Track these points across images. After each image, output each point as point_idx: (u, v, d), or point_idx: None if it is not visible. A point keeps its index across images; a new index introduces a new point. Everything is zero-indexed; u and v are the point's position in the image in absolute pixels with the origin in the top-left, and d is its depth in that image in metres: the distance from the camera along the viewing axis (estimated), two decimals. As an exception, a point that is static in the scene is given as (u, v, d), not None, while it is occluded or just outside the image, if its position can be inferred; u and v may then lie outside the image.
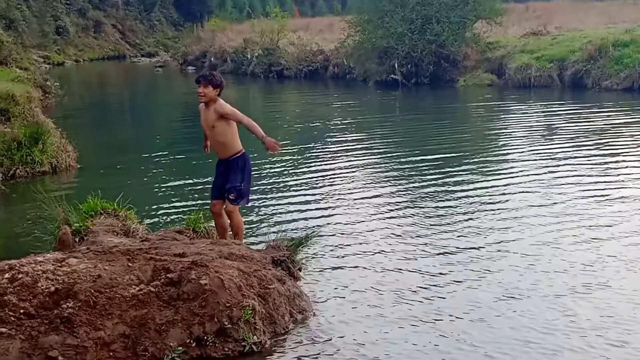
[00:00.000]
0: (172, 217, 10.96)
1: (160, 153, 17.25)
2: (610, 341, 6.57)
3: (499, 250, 9.20)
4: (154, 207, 11.70)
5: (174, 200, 12.29)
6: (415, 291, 7.90)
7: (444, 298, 7.73)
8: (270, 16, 46.33)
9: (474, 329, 6.90)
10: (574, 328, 6.85)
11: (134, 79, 49.44)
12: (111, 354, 6.03)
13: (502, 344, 6.56)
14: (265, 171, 14.56)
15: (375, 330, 6.94)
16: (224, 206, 8.46)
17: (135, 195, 10.96)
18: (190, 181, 13.83)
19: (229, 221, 8.59)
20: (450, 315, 7.24)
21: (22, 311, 6.05)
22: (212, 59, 48.43)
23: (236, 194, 8.34)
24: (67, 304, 6.13)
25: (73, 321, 6.04)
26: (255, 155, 16.82)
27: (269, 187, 13.28)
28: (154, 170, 15.09)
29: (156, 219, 10.84)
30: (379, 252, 9.30)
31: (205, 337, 6.23)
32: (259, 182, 13.45)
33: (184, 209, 11.19)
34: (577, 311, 7.24)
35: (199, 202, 11.68)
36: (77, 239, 8.31)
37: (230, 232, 8.66)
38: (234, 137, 8.54)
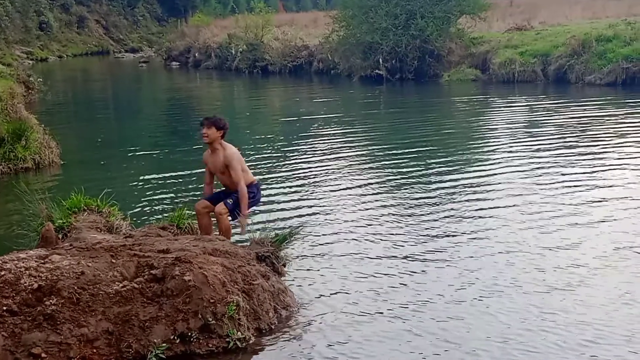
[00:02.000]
0: (156, 213, 10.93)
1: (143, 149, 17.21)
2: (587, 339, 6.55)
3: (480, 246, 9.21)
4: (138, 203, 11.67)
5: (157, 196, 12.26)
6: (396, 288, 7.91)
7: (424, 293, 7.75)
8: (254, 11, 46.19)
9: (452, 326, 6.89)
10: (552, 326, 6.82)
11: (117, 74, 49.24)
12: (95, 350, 6.01)
13: (481, 341, 6.55)
14: (248, 166, 14.53)
15: (357, 326, 6.95)
16: (215, 209, 8.53)
17: (119, 191, 10.94)
18: (174, 177, 13.81)
19: (211, 221, 8.67)
20: (431, 311, 7.27)
21: (4, 308, 6.02)
22: (197, 55, 48.31)
23: (234, 204, 8.52)
24: (50, 301, 6.11)
25: (56, 318, 6.02)
26: (237, 147, 16.88)
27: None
28: (138, 166, 15.06)
29: (140, 215, 10.80)
30: (362, 247, 9.32)
31: (189, 334, 6.22)
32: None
33: (168, 205, 11.16)
34: (556, 308, 7.22)
35: (183, 197, 11.65)
36: (60, 236, 8.26)
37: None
38: (246, 174, 8.76)
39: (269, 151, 16.54)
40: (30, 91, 25.90)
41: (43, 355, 5.85)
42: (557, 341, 6.50)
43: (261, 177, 13.54)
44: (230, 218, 8.65)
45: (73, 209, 8.99)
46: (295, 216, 10.80)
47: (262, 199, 11.85)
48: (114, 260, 6.68)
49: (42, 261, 6.52)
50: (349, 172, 14.04)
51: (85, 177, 13.41)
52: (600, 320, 6.91)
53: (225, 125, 8.66)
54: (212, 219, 8.74)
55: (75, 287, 6.23)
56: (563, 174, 13.08)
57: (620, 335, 6.61)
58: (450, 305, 7.39)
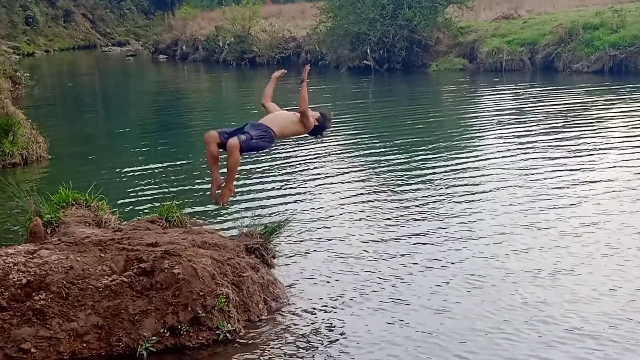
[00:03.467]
0: (145, 206, 10.92)
1: (131, 142, 17.18)
2: (571, 329, 6.53)
3: (465, 238, 9.19)
4: (127, 196, 11.65)
5: (146, 189, 12.25)
6: (386, 278, 7.93)
7: (413, 283, 7.78)
8: (241, 3, 46.09)
9: (439, 317, 6.89)
10: (536, 317, 6.80)
11: (105, 68, 49.05)
12: (84, 345, 6.02)
13: (461, 335, 6.53)
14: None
15: (347, 316, 6.97)
16: (228, 140, 7.69)
17: (107, 185, 10.91)
18: (162, 169, 13.80)
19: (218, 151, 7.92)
20: (419, 300, 7.29)
21: (-7, 304, 6.01)
22: (184, 47, 48.24)
23: (249, 137, 7.73)
24: (40, 295, 6.10)
25: (45, 313, 6.02)
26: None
27: (240, 172, 13.25)
28: (126, 159, 15.02)
29: (129, 209, 10.79)
30: (351, 238, 9.34)
31: (179, 327, 6.23)
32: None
33: (157, 198, 11.12)
34: (539, 299, 7.21)
35: (172, 190, 11.64)
36: (48, 231, 8.23)
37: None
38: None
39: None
40: (17, 86, 25.80)
41: (33, 350, 5.86)
42: (542, 331, 6.50)
43: (249, 167, 13.56)
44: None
45: (61, 203, 8.95)
46: (284, 207, 10.80)
47: (251, 190, 11.92)
48: (102, 255, 6.67)
49: (31, 256, 6.51)
50: (337, 163, 14.06)
51: (73, 171, 13.39)
52: (586, 310, 6.91)
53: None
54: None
55: (64, 282, 6.22)
56: (550, 162, 13.12)
57: (607, 324, 6.62)
58: (437, 296, 7.40)
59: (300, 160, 14.19)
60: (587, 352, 6.12)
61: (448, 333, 6.55)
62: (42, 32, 65.66)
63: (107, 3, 77.38)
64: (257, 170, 13.47)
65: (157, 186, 12.46)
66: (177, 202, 9.14)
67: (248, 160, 14.00)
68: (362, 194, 11.53)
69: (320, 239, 9.34)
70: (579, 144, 14.55)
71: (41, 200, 8.86)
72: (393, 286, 7.67)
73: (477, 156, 13.99)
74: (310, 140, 16.23)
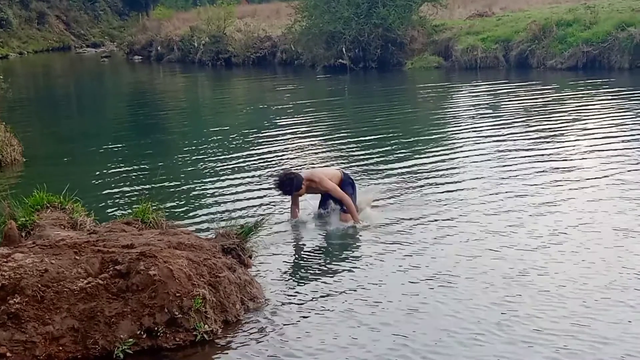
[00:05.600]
0: (120, 208, 10.88)
1: (106, 143, 17.09)
2: (542, 330, 6.46)
3: (438, 237, 9.12)
4: (102, 198, 11.61)
5: (122, 190, 12.19)
6: (357, 279, 7.85)
7: (390, 281, 7.77)
8: (216, 3, 46.00)
9: (406, 320, 6.81)
10: (507, 319, 6.73)
11: (79, 70, 48.81)
12: (61, 348, 5.98)
13: (431, 338, 6.45)
14: (212, 156, 14.56)
15: (325, 316, 6.95)
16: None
17: (82, 187, 10.84)
18: (138, 170, 13.75)
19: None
20: (397, 297, 7.29)
21: (-33, 309, 5.96)
22: (159, 48, 48.04)
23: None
24: (14, 299, 6.06)
25: (21, 317, 5.98)
26: (202, 139, 16.86)
27: (217, 172, 13.25)
28: (101, 161, 14.95)
29: (104, 210, 10.73)
30: (327, 237, 9.36)
31: (156, 328, 6.20)
32: (206, 168, 13.45)
33: (133, 199, 11.10)
34: (511, 299, 7.13)
35: (148, 191, 11.60)
36: (23, 234, 8.17)
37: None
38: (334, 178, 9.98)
39: (234, 142, 16.51)
40: (-10, 89, 25.59)
41: (8, 354, 5.81)
42: (512, 334, 6.44)
43: (226, 167, 13.55)
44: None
45: (36, 206, 8.88)
46: (260, 207, 10.79)
47: (226, 189, 11.92)
48: (77, 257, 6.62)
49: (5, 260, 6.45)
50: (313, 160, 14.06)
51: (48, 173, 13.28)
52: (557, 310, 6.86)
53: (298, 181, 9.64)
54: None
55: (39, 285, 6.18)
56: (525, 157, 13.25)
57: (575, 323, 6.59)
58: (408, 297, 7.33)
59: (276, 159, 14.19)
60: (556, 351, 6.11)
61: (418, 335, 6.50)
62: (16, 35, 65.20)
63: (81, 4, 76.99)
64: (235, 170, 13.45)
65: (132, 187, 12.40)
66: (153, 204, 9.10)
67: (226, 160, 14.01)
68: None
69: (297, 238, 9.37)
70: (554, 141, 14.67)
71: (15, 203, 8.79)
72: (362, 290, 7.53)
73: (452, 154, 14.05)
74: (287, 141, 16.28)
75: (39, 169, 14.36)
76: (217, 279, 6.84)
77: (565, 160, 13.02)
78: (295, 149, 15.15)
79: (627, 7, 30.46)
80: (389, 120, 18.63)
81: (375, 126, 17.55)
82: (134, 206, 9.83)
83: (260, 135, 17.36)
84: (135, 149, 16.51)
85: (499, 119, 17.88)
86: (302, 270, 8.24)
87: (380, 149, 14.55)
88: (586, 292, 7.27)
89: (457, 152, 14.19)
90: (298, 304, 7.24)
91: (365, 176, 12.52)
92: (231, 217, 9.28)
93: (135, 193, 11.86)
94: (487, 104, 21.00)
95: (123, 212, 10.48)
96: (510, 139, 15.11)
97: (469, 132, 16.34)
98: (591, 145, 14.04)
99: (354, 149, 14.97)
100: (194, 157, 14.86)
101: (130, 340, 6.09)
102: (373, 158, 13.86)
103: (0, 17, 63.11)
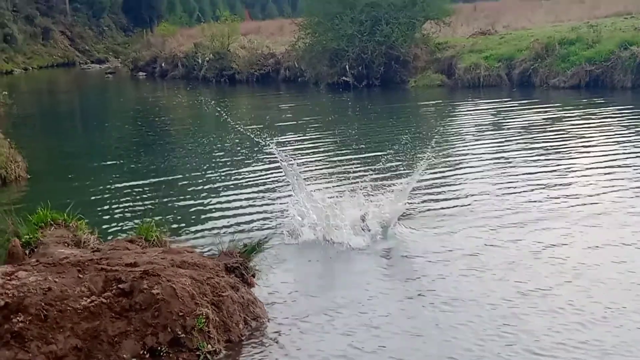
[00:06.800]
0: (124, 225, 10.90)
1: (111, 160, 17.14)
2: (547, 349, 6.49)
3: (441, 253, 9.18)
4: (106, 215, 11.63)
5: (126, 207, 12.21)
6: (359, 300, 7.84)
7: (395, 299, 7.80)
8: (220, 20, 46.15)
9: (407, 346, 6.79)
10: (513, 331, 6.84)
11: (84, 86, 48.95)
12: (64, 367, 5.99)
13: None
14: (215, 173, 14.58)
15: (328, 335, 6.97)
16: None
17: (86, 204, 10.91)
18: (142, 187, 13.77)
19: None
20: (403, 314, 7.33)
21: (-29, 327, 5.97)
22: (163, 64, 48.13)
23: None
24: (18, 318, 6.06)
25: (24, 336, 5.98)
26: (205, 156, 16.89)
27: (220, 189, 13.27)
28: (105, 178, 14.97)
29: (109, 228, 10.76)
30: (331, 255, 9.36)
31: (159, 348, 6.21)
32: (209, 185, 13.47)
33: (137, 216, 11.11)
34: (508, 321, 7.15)
35: (152, 209, 11.62)
36: (27, 252, 8.20)
37: None
38: None
39: (237, 159, 16.53)
40: (-5, 105, 25.72)
41: (11, 373, 5.82)
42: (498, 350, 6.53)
43: (229, 184, 13.57)
44: None
45: (40, 223, 8.91)
46: (263, 225, 10.80)
47: (231, 207, 11.92)
48: (81, 275, 6.64)
49: (9, 278, 6.47)
50: (316, 178, 14.06)
51: (52, 190, 13.33)
52: (543, 332, 6.89)
53: None
54: None
55: (43, 304, 6.19)
56: (527, 174, 13.29)
57: (589, 342, 6.65)
58: (413, 317, 7.36)
59: (280, 177, 14.19)
60: None
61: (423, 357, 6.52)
62: (21, 50, 65.50)
63: (86, 20, 77.35)
64: (238, 188, 13.47)
65: (136, 204, 12.43)
66: (156, 222, 9.12)
67: (229, 178, 14.02)
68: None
69: (300, 256, 9.36)
70: (556, 158, 14.69)
71: (19, 220, 8.82)
72: (375, 304, 7.64)
73: (454, 171, 14.08)
74: (290, 155, 16.27)
75: (43, 186, 14.39)
76: (220, 298, 6.86)
77: (567, 177, 13.04)
78: (299, 166, 15.14)
79: (630, 26, 30.59)
80: (392, 137, 18.63)
81: (378, 143, 17.58)
82: (137, 222, 9.85)
83: (264, 152, 17.37)
84: (139, 165, 16.54)
85: (501, 136, 17.89)
86: (305, 289, 8.22)
87: (383, 166, 14.54)
88: (590, 310, 7.29)
89: (459, 169, 14.21)
90: (302, 323, 7.24)
91: (369, 194, 12.52)
92: (234, 235, 9.27)
93: (139, 209, 11.89)
94: (489, 122, 21.01)
95: (127, 228, 10.51)
96: (512, 156, 15.15)
97: (471, 149, 16.37)
98: (593, 163, 14.07)
99: (357, 166, 14.96)
100: (197, 174, 14.88)
101: None
102: (375, 174, 13.84)
103: (5, 33, 63.39)
